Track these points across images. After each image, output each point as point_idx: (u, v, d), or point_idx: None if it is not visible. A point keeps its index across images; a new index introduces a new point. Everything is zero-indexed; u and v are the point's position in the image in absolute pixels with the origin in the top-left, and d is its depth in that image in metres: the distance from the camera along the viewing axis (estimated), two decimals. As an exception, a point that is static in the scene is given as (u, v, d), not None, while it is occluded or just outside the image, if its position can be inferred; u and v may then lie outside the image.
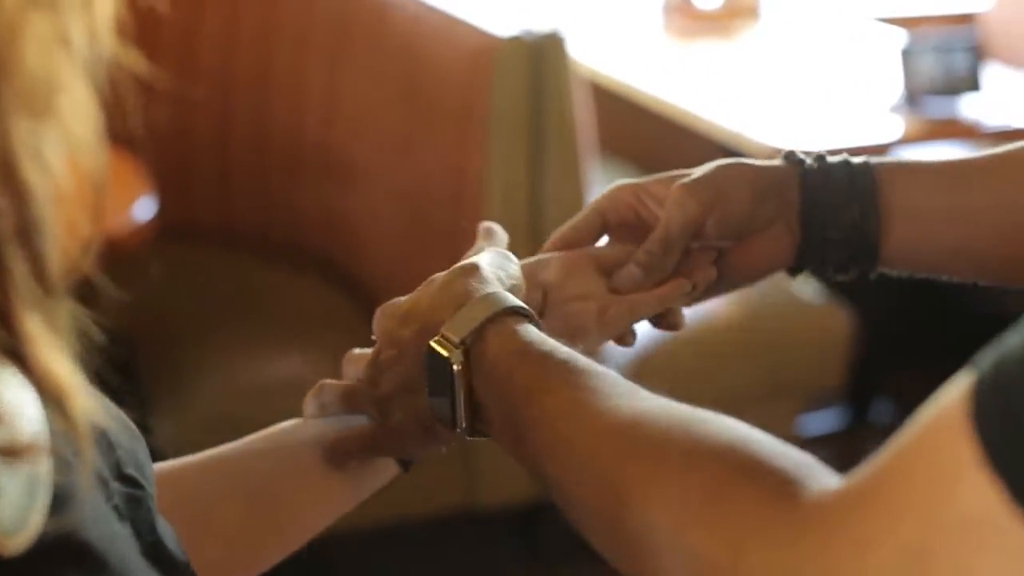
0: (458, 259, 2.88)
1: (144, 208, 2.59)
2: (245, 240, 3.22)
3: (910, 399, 3.14)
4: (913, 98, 3.14)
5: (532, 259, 1.06)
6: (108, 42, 0.63)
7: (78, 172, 0.62)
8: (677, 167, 3.42)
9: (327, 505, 1.00)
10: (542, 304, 1.03)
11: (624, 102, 3.48)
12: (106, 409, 0.75)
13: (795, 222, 1.05)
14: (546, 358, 0.87)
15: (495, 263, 0.97)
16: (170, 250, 3.09)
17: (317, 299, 3.07)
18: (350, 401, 1.00)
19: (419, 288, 0.97)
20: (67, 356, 0.61)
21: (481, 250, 1.03)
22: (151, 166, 2.94)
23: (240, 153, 3.19)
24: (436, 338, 0.91)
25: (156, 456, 2.66)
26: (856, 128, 3.11)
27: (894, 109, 3.16)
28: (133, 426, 0.79)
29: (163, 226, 2.81)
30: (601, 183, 3.13)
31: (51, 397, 0.61)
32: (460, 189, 2.71)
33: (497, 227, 1.07)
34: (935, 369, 3.69)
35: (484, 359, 0.89)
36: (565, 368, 0.86)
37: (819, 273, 1.07)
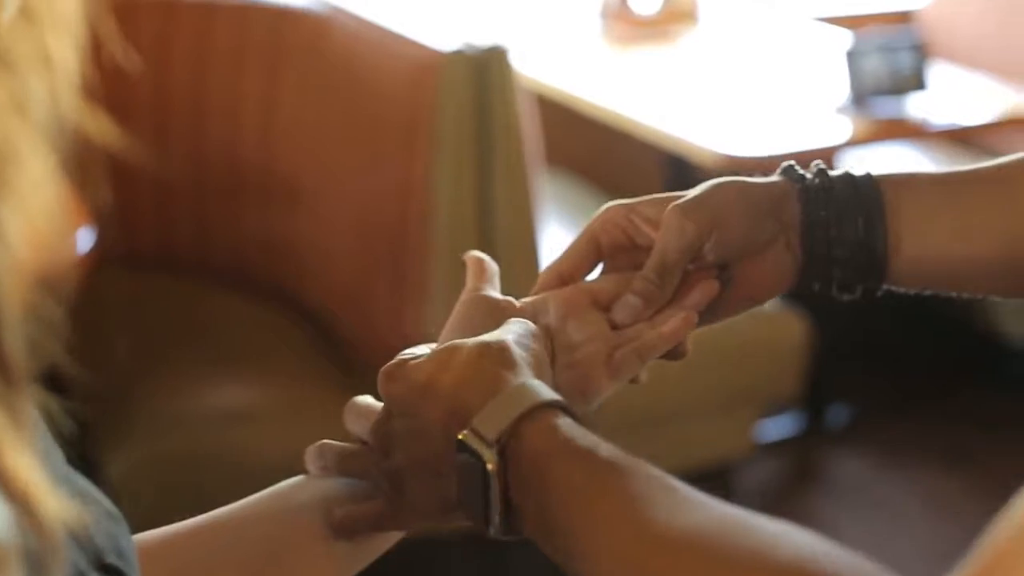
0: (407, 279, 2.80)
1: (83, 240, 2.52)
2: (186, 267, 3.15)
3: (866, 404, 3.14)
4: (859, 99, 3.11)
5: (528, 300, 1.00)
6: (71, 103, 0.56)
7: (36, 245, 0.56)
8: (623, 175, 3.36)
9: (331, 569, 0.94)
10: (552, 353, 0.97)
11: (567, 112, 3.44)
12: (82, 496, 0.69)
13: (796, 241, 1.00)
14: (587, 459, 0.82)
15: (520, 340, 0.91)
16: (109, 280, 3.02)
17: (264, 324, 3.00)
18: (353, 466, 0.93)
19: (436, 355, 0.90)
20: (33, 454, 0.55)
21: (478, 291, 0.98)
22: (85, 193, 2.87)
23: (177, 178, 3.12)
24: (467, 432, 0.85)
25: (109, 495, 2.55)
26: (803, 131, 3.08)
27: (840, 110, 3.13)
28: (113, 509, 0.73)
29: (100, 255, 2.74)
30: (549, 195, 3.09)
31: (16, 501, 0.54)
32: (407, 206, 2.66)
33: (488, 259, 1.02)
34: (891, 374, 3.68)
35: (520, 460, 0.84)
36: (608, 469, 0.81)
37: (823, 293, 1.02)
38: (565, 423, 0.84)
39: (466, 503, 0.86)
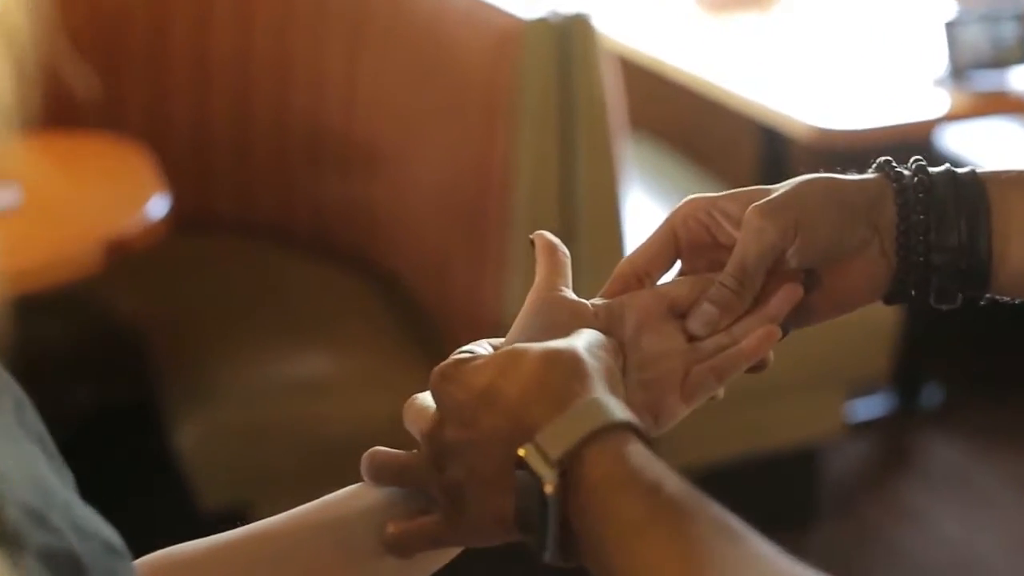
0: (487, 250, 2.74)
1: (157, 206, 2.49)
2: (266, 231, 3.13)
3: (961, 385, 3.03)
4: (959, 71, 3.00)
5: (602, 303, 0.93)
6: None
7: None
8: (712, 144, 3.25)
9: None
10: (624, 367, 0.90)
11: (656, 78, 3.36)
12: (78, 531, 0.64)
13: (891, 246, 0.92)
14: (650, 494, 0.74)
15: (592, 350, 0.83)
16: (189, 243, 3.00)
17: (343, 292, 2.97)
18: (407, 478, 0.86)
19: (498, 359, 0.83)
20: None
21: (552, 290, 0.91)
22: (168, 157, 2.85)
23: (259, 142, 3.10)
24: (529, 447, 0.77)
25: (178, 466, 2.50)
26: (900, 104, 2.99)
27: (939, 83, 3.03)
28: (116, 542, 0.68)
29: (182, 218, 2.72)
30: (634, 162, 3.01)
31: None
32: (487, 175, 2.60)
33: (559, 245, 0.94)
34: (987, 354, 3.57)
35: (581, 485, 0.76)
36: (671, 511, 0.73)
37: (919, 301, 0.94)
38: (634, 449, 0.76)
39: (522, 524, 0.79)
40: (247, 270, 3.06)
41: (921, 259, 0.92)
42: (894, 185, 0.93)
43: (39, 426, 0.70)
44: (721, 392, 0.92)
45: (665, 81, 3.35)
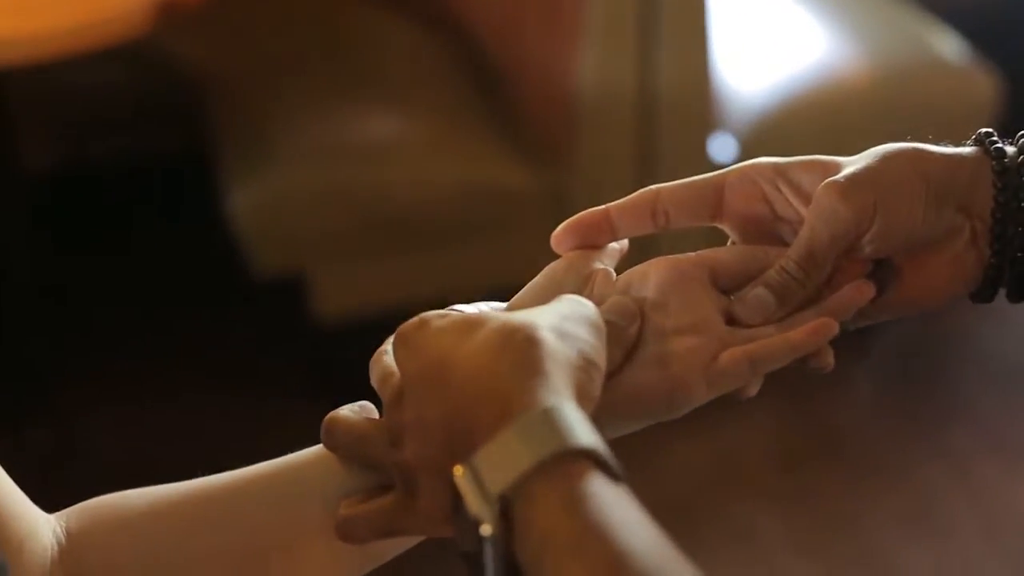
0: (562, 16, 2.57)
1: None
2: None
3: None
4: None
5: (627, 272, 0.81)
6: None
7: None
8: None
9: (333, 572, 0.77)
10: (636, 339, 0.77)
11: None
12: None
13: (985, 235, 0.80)
14: (616, 562, 0.59)
15: (565, 327, 0.70)
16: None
17: (416, 48, 2.86)
18: (364, 450, 0.74)
19: (457, 326, 0.70)
20: None
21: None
22: None
23: None
24: (466, 471, 0.64)
25: (232, 231, 2.39)
26: None
27: None
28: None
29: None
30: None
31: None
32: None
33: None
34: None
35: (529, 531, 0.62)
36: None
37: (1015, 300, 0.82)
38: (596, 490, 0.62)
39: (462, 552, 0.66)
40: (317, 20, 2.94)
41: (1019, 255, 0.79)
42: (993, 163, 0.80)
43: None
44: (754, 387, 0.78)
45: None
